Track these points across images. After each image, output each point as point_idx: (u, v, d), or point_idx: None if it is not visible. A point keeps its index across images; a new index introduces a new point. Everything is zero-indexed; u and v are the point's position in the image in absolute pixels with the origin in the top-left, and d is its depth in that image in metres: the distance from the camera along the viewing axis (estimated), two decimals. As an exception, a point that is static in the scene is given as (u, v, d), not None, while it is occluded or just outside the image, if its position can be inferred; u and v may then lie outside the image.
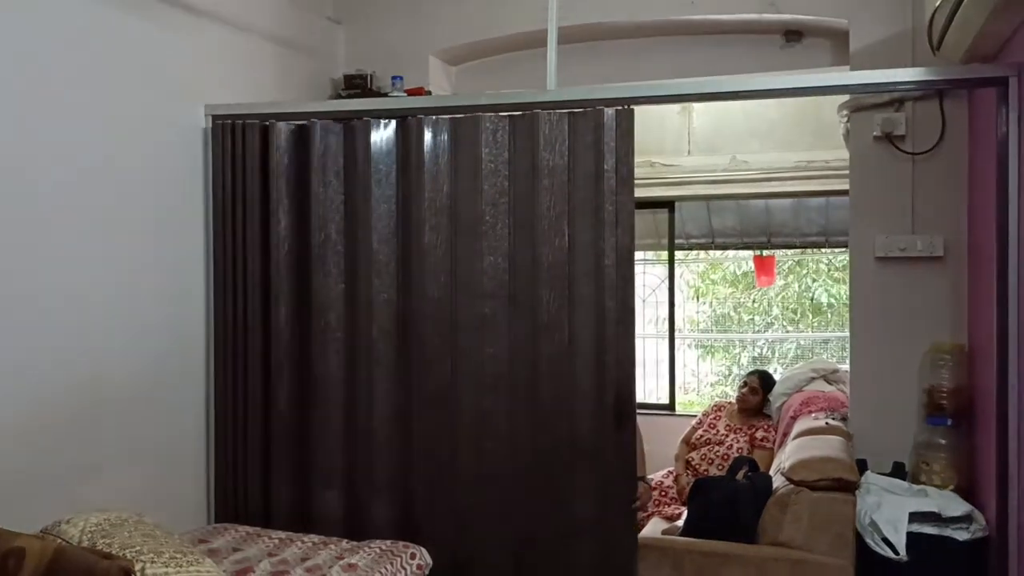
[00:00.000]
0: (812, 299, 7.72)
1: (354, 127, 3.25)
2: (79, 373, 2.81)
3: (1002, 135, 2.71)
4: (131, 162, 3.00)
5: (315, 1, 4.17)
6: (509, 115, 3.15)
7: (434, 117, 3.19)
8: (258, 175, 3.30)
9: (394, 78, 3.97)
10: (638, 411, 6.00)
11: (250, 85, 3.59)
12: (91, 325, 2.86)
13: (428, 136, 3.18)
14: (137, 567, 2.08)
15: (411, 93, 3.93)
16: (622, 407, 3.07)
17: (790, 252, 6.88)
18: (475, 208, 3.15)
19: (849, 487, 3.19)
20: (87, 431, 2.84)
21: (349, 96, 3.99)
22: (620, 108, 3.06)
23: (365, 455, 3.25)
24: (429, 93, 4.06)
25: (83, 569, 2.02)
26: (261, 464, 3.33)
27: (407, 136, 3.21)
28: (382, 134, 3.23)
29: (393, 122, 3.24)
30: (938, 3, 2.95)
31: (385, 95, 3.94)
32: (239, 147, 3.29)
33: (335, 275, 3.27)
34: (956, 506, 3.13)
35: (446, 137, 3.19)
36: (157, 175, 3.13)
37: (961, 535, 3.08)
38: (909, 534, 3.07)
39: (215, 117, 3.31)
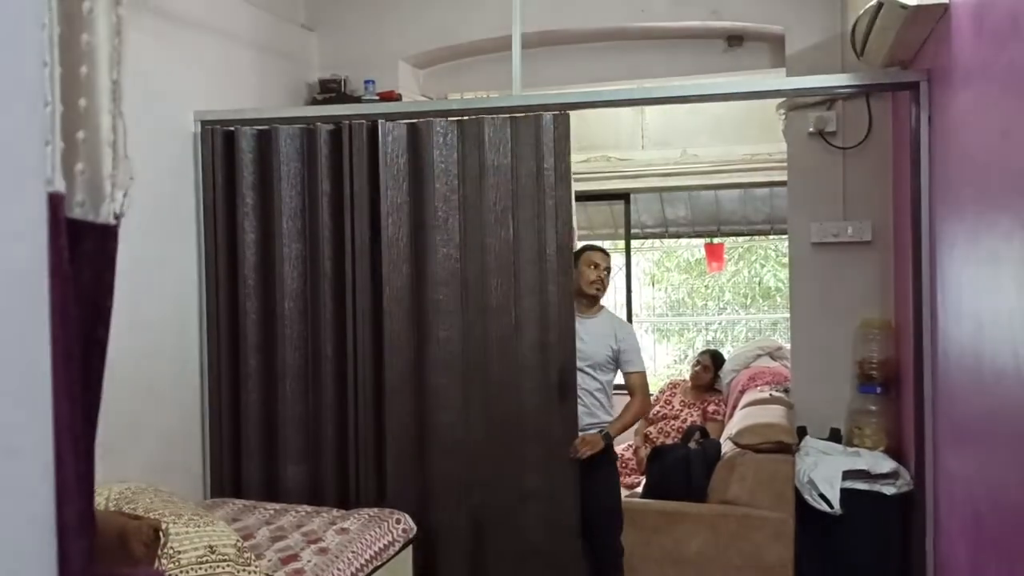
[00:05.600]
0: (760, 283, 8.09)
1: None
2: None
3: (915, 133, 3.06)
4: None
5: (289, 10, 4.41)
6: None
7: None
8: (252, 177, 3.56)
9: (366, 82, 4.23)
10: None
11: (230, 91, 3.82)
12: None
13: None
14: (162, 526, 2.34)
15: (383, 96, 4.19)
16: (565, 381, 3.35)
17: (740, 239, 7.21)
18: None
19: (788, 449, 3.53)
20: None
21: (325, 100, 4.23)
22: (557, 113, 3.34)
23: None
24: (400, 96, 4.32)
25: (116, 528, 2.29)
26: (259, 445, 3.61)
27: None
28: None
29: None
30: (860, 12, 3.28)
31: (359, 99, 4.20)
32: (229, 150, 3.55)
33: (298, 268, 3.58)
34: (884, 464, 3.49)
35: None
36: (152, 177, 3.36)
37: (889, 489, 3.43)
38: (843, 490, 3.43)
39: (204, 122, 3.55)
